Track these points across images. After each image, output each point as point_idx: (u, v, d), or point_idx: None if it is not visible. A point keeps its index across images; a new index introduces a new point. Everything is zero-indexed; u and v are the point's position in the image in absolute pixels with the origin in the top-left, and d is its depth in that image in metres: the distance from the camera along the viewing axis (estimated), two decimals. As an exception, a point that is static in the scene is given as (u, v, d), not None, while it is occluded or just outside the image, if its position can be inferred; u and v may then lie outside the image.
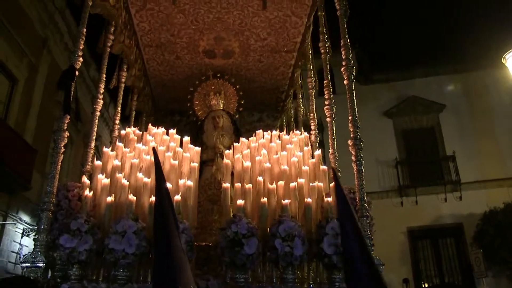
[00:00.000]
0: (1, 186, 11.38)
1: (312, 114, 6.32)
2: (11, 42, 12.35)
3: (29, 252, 4.07)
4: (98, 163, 4.85)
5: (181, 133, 5.94)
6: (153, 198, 4.31)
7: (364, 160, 4.69)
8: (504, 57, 9.15)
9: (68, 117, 4.52)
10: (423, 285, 17.32)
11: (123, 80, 6.48)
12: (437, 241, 17.65)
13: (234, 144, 5.66)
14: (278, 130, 6.18)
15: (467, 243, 16.88)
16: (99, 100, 5.51)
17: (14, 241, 12.64)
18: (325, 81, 5.72)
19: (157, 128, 5.95)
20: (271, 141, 5.68)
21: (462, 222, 17.18)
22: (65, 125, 4.51)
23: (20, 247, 12.82)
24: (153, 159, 4.87)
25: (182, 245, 2.69)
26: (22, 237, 12.87)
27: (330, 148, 5.36)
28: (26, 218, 13.04)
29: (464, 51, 18.87)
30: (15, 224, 12.57)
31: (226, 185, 4.72)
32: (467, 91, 19.01)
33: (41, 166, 13.64)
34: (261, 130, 6.10)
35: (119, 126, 6.12)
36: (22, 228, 12.90)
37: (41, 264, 3.89)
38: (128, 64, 6.67)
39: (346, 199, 2.84)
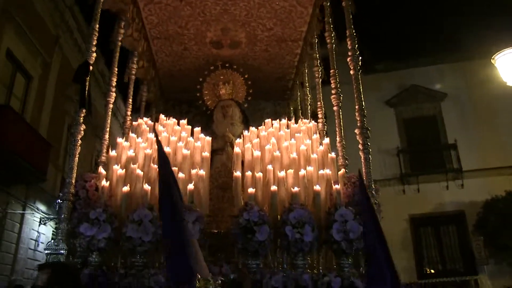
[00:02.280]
0: (19, 178, 11.89)
1: (319, 103, 6.43)
2: (28, 44, 12.77)
3: (52, 240, 4.23)
4: (113, 153, 4.97)
5: (190, 123, 6.07)
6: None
7: (367, 149, 4.80)
8: (493, 58, 9.06)
9: (84, 110, 4.65)
10: (425, 271, 17.43)
11: (133, 72, 6.60)
12: (439, 228, 17.78)
13: (244, 133, 5.78)
14: (286, 118, 6.29)
15: (469, 230, 16.98)
16: (112, 93, 5.59)
17: (32, 229, 13.29)
18: (331, 71, 5.73)
19: (168, 119, 6.09)
20: (280, 130, 5.81)
21: (464, 209, 17.23)
22: (81, 118, 4.64)
23: (38, 234, 13.54)
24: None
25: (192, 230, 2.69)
26: (39, 225, 13.58)
27: (337, 136, 5.42)
28: (42, 207, 13.68)
29: (465, 40, 18.63)
30: (33, 213, 13.20)
31: (237, 174, 4.84)
32: (468, 80, 18.88)
33: (55, 158, 14.23)
34: (269, 119, 6.22)
35: (130, 118, 6.23)
36: (39, 217, 13.56)
37: (63, 251, 4.07)
38: (137, 57, 6.78)
39: (368, 195, 3.03)
